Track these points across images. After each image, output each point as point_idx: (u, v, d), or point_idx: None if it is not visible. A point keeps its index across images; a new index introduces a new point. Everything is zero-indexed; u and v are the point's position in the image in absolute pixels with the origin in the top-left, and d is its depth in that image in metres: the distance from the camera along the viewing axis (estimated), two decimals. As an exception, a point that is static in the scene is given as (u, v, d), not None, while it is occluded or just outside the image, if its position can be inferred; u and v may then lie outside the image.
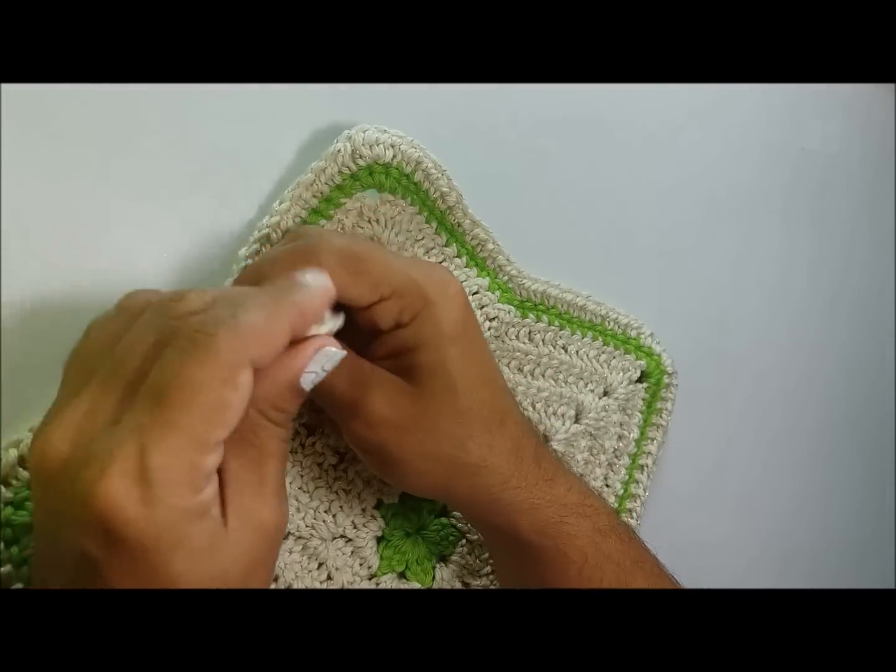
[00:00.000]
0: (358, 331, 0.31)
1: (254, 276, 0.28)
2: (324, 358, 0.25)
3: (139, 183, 0.33)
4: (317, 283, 0.25)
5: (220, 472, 0.24)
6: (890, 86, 0.50)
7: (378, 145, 0.34)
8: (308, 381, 0.25)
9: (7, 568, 0.29)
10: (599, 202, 0.44)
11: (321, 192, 0.34)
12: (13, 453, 0.30)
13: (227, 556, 0.23)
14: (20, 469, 0.30)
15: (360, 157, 0.34)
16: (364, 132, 0.34)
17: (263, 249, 0.33)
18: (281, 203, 0.34)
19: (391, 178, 0.35)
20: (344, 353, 0.26)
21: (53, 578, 0.23)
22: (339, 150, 0.33)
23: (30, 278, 0.31)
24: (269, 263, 0.28)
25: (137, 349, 0.23)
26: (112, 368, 0.23)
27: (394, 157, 0.34)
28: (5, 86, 0.30)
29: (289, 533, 0.35)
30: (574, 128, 0.43)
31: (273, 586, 0.35)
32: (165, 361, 0.22)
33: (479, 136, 0.40)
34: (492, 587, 0.39)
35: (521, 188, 0.42)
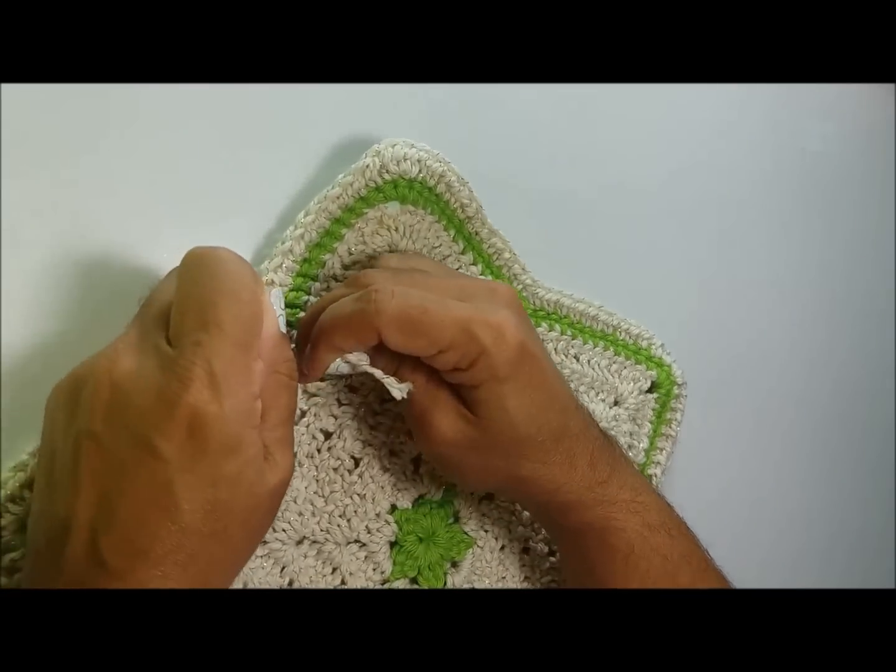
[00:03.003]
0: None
1: (324, 342, 0.32)
2: (278, 301, 0.30)
3: (155, 193, 0.35)
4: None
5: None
6: (890, 86, 0.52)
7: (405, 161, 0.36)
8: (283, 324, 0.30)
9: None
10: (606, 210, 0.46)
11: (346, 205, 0.36)
12: (21, 477, 0.31)
13: (263, 483, 0.28)
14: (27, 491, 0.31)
15: (388, 172, 0.36)
16: (392, 147, 0.36)
17: (285, 262, 0.35)
18: (307, 215, 0.36)
19: (414, 190, 0.37)
20: (282, 288, 0.33)
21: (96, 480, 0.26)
22: (367, 166, 0.36)
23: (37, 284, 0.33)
24: (331, 329, 0.32)
25: (166, 288, 0.30)
26: (147, 308, 0.29)
27: (419, 172, 0.37)
28: (5, 86, 0.32)
29: (303, 537, 0.38)
30: (581, 135, 0.45)
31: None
32: (196, 279, 0.28)
33: (494, 145, 0.43)
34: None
35: (534, 198, 0.44)
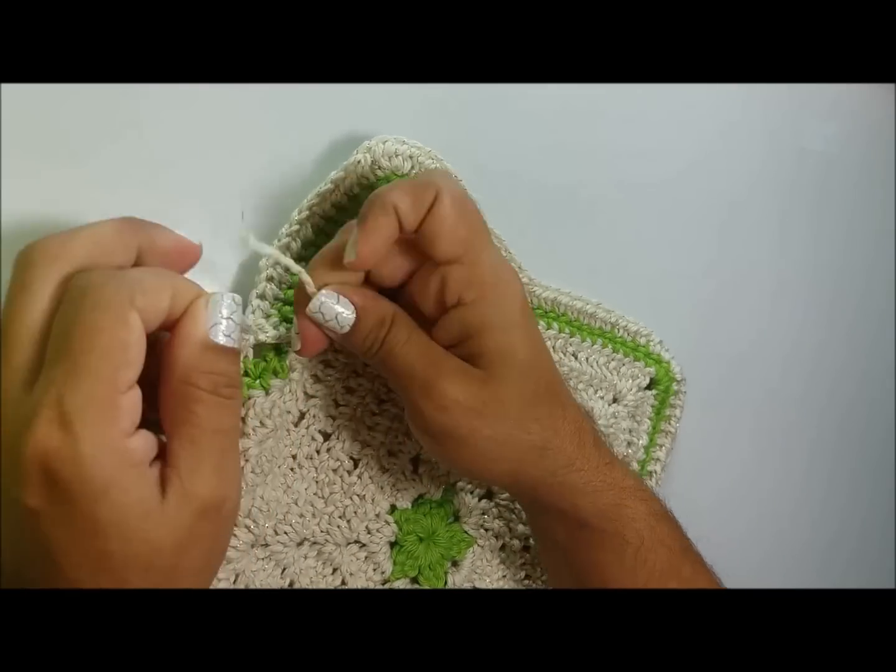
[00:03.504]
0: (421, 321, 0.34)
1: (378, 203, 0.31)
2: (218, 306, 0.27)
3: (151, 192, 0.35)
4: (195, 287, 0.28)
5: (166, 448, 0.27)
6: (890, 86, 0.52)
7: (397, 157, 0.36)
8: (219, 334, 0.27)
9: None
10: (606, 209, 0.46)
11: (339, 202, 0.36)
12: None
13: (160, 527, 0.25)
14: None
15: (380, 168, 0.36)
16: (384, 143, 0.36)
17: (283, 258, 0.35)
18: (300, 212, 0.36)
19: (407, 188, 0.37)
20: (235, 294, 0.28)
21: (7, 550, 0.26)
22: (358, 161, 0.36)
23: None
24: (391, 189, 0.31)
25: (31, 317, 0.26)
26: (11, 338, 0.26)
27: (412, 168, 0.37)
28: (5, 86, 0.32)
29: (304, 539, 0.38)
30: (579, 134, 0.45)
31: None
32: (62, 316, 0.25)
33: (491, 144, 0.43)
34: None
35: (531, 197, 0.44)
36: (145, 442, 0.26)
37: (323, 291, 0.31)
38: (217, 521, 0.28)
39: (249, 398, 0.35)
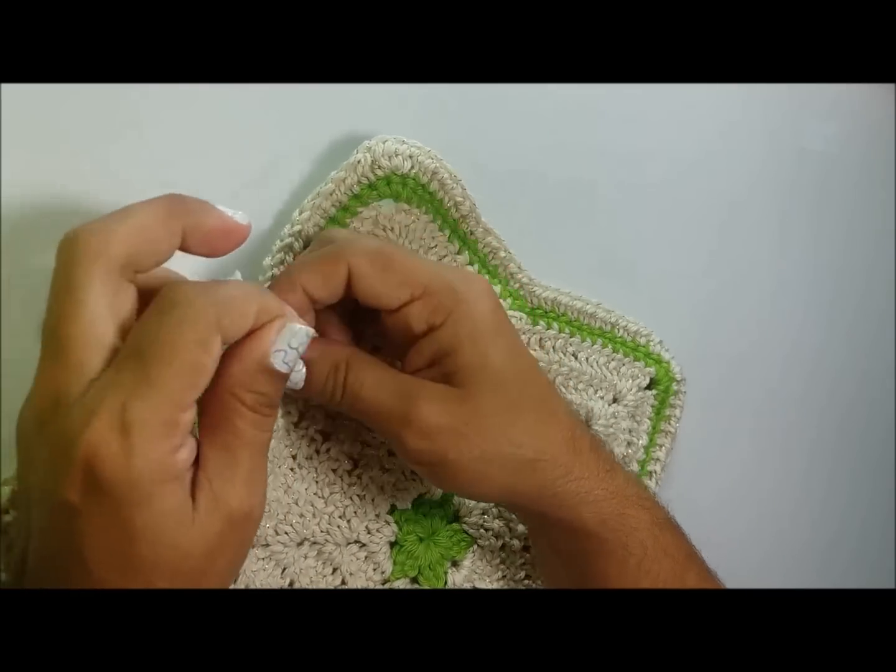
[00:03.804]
0: (392, 347, 0.34)
1: (286, 283, 0.31)
2: (289, 335, 0.28)
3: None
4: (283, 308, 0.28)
5: (196, 457, 0.27)
6: (890, 86, 0.52)
7: (397, 156, 0.36)
8: (279, 361, 0.27)
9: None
10: (606, 209, 0.47)
11: (340, 202, 0.36)
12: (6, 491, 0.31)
13: (191, 533, 0.26)
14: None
15: (380, 167, 0.36)
16: (383, 143, 0.36)
17: (287, 258, 0.36)
18: (301, 212, 0.36)
19: (408, 188, 0.37)
20: (310, 328, 0.28)
21: (30, 536, 0.26)
22: (358, 161, 0.36)
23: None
24: (298, 269, 0.31)
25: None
26: (66, 338, 0.26)
27: (412, 167, 0.37)
28: (5, 86, 0.32)
29: (304, 539, 0.38)
30: (579, 135, 0.45)
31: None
32: (144, 324, 0.26)
33: (491, 144, 0.43)
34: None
35: (531, 197, 0.45)
36: (189, 453, 0.26)
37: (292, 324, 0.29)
38: (244, 530, 0.28)
39: None
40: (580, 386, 0.45)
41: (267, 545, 0.36)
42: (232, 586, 0.35)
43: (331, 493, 0.38)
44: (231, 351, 0.27)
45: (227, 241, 0.29)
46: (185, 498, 0.26)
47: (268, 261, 0.36)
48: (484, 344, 0.32)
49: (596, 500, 0.34)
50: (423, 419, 0.31)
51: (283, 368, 0.28)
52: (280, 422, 0.36)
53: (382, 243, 0.32)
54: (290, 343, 0.28)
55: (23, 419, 0.26)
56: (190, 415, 0.26)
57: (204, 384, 0.26)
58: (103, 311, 0.26)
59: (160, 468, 0.25)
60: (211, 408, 0.27)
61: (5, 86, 0.32)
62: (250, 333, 0.27)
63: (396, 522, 0.40)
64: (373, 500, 0.39)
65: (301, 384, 0.31)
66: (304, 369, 0.31)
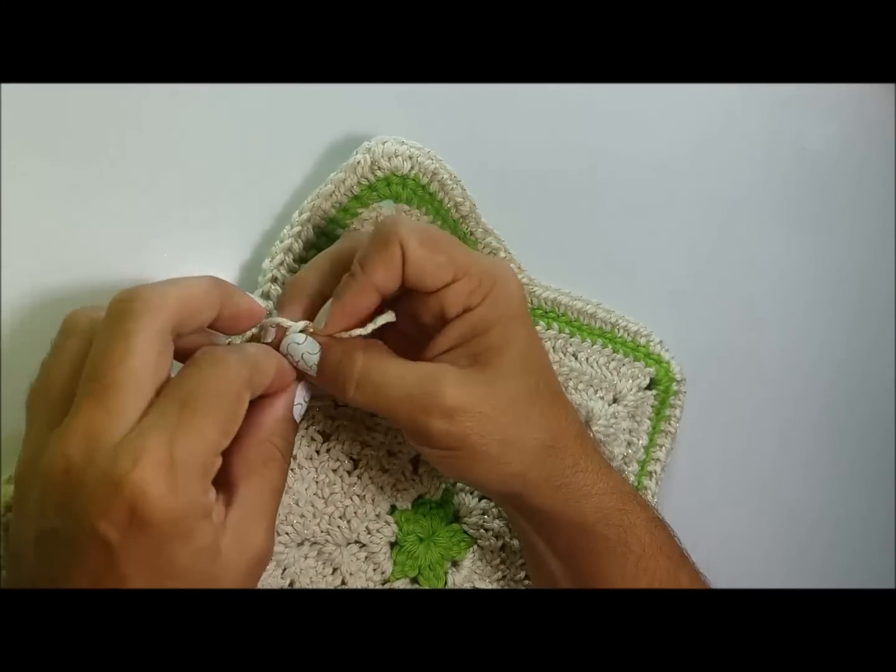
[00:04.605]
0: (419, 330, 0.34)
1: (358, 286, 0.32)
2: (303, 391, 0.33)
3: (153, 190, 0.36)
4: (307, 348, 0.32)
5: (231, 494, 0.29)
6: (890, 86, 0.53)
7: (396, 157, 0.37)
8: (298, 412, 0.32)
9: None
10: (606, 209, 0.47)
11: (340, 203, 0.37)
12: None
13: (221, 565, 0.27)
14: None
15: (379, 168, 0.36)
16: (383, 144, 0.37)
17: (287, 260, 0.36)
18: (301, 214, 0.36)
19: (408, 188, 0.38)
20: (311, 385, 0.33)
21: (52, 580, 0.26)
22: (358, 162, 0.36)
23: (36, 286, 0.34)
24: (364, 266, 0.32)
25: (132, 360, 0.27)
26: (115, 382, 0.27)
27: (411, 168, 0.37)
28: (5, 86, 0.32)
29: (304, 539, 0.38)
30: (579, 135, 0.45)
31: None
32: (186, 377, 0.28)
33: (490, 144, 0.43)
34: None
35: (532, 197, 0.45)
36: (213, 492, 0.28)
37: (293, 332, 0.32)
38: (261, 570, 0.30)
39: None
40: (580, 386, 0.45)
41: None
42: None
43: (331, 494, 0.39)
44: (261, 406, 0.31)
45: (249, 321, 0.32)
46: (216, 535, 0.27)
47: (267, 263, 0.36)
48: (513, 327, 0.33)
49: (598, 493, 0.35)
50: (448, 401, 0.32)
51: (297, 419, 0.32)
52: None
53: (424, 224, 0.33)
54: (304, 397, 0.33)
55: (49, 463, 0.26)
56: (220, 460, 0.28)
57: (233, 433, 0.28)
58: (151, 363, 0.27)
59: (199, 506, 0.27)
60: (250, 455, 0.30)
61: (5, 86, 0.32)
62: (273, 390, 0.31)
63: (396, 523, 0.40)
64: (373, 501, 0.40)
65: (314, 367, 0.33)
66: (318, 354, 0.33)
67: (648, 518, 0.36)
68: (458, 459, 0.33)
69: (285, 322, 0.32)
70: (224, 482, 0.29)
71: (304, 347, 0.32)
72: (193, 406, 0.27)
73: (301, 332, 0.32)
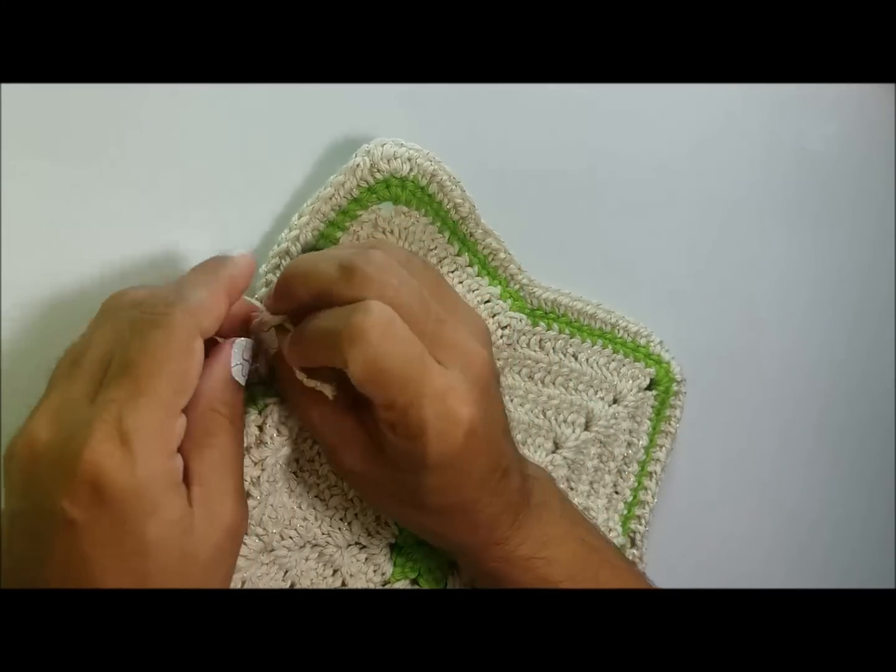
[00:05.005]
0: None
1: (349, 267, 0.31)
2: (239, 350, 0.31)
3: (153, 191, 0.35)
4: (243, 261, 0.31)
5: (186, 470, 0.28)
6: (890, 86, 0.53)
7: (396, 159, 0.37)
8: (238, 374, 0.31)
9: None
10: (606, 210, 0.47)
11: (339, 206, 0.37)
12: None
13: (195, 541, 0.27)
14: None
15: (378, 170, 0.36)
16: (382, 146, 0.37)
17: (283, 264, 0.36)
18: (300, 217, 0.36)
19: (407, 190, 0.38)
20: (251, 341, 0.32)
21: (23, 560, 0.26)
22: (357, 165, 0.36)
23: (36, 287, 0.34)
24: (308, 333, 0.31)
25: (97, 341, 0.28)
26: (75, 360, 0.28)
27: (410, 170, 0.37)
28: (5, 86, 0.32)
29: (306, 542, 0.38)
30: (579, 135, 0.45)
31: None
32: (129, 341, 0.27)
33: (490, 145, 0.43)
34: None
35: (531, 197, 0.45)
36: (180, 462, 0.27)
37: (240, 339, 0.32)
38: (236, 542, 0.30)
39: (266, 406, 0.35)
40: (580, 387, 0.45)
41: (272, 550, 0.36)
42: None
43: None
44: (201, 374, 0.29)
45: (240, 329, 0.33)
46: (188, 508, 0.27)
47: (264, 268, 0.36)
48: (425, 476, 0.32)
49: (478, 560, 0.36)
50: (340, 461, 0.34)
51: (241, 380, 0.31)
52: (293, 426, 0.36)
53: (393, 341, 0.29)
54: (244, 356, 0.31)
55: (19, 443, 0.27)
56: (182, 422, 0.27)
57: (192, 388, 0.27)
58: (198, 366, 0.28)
59: (163, 475, 0.26)
60: (193, 429, 0.28)
61: (5, 86, 0.32)
62: (212, 357, 0.30)
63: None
64: (373, 502, 0.40)
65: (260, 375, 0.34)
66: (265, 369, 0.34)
67: (537, 578, 0.36)
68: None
69: (265, 317, 0.33)
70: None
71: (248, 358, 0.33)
72: (137, 371, 0.26)
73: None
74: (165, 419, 0.26)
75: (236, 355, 0.31)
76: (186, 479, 0.28)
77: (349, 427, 0.34)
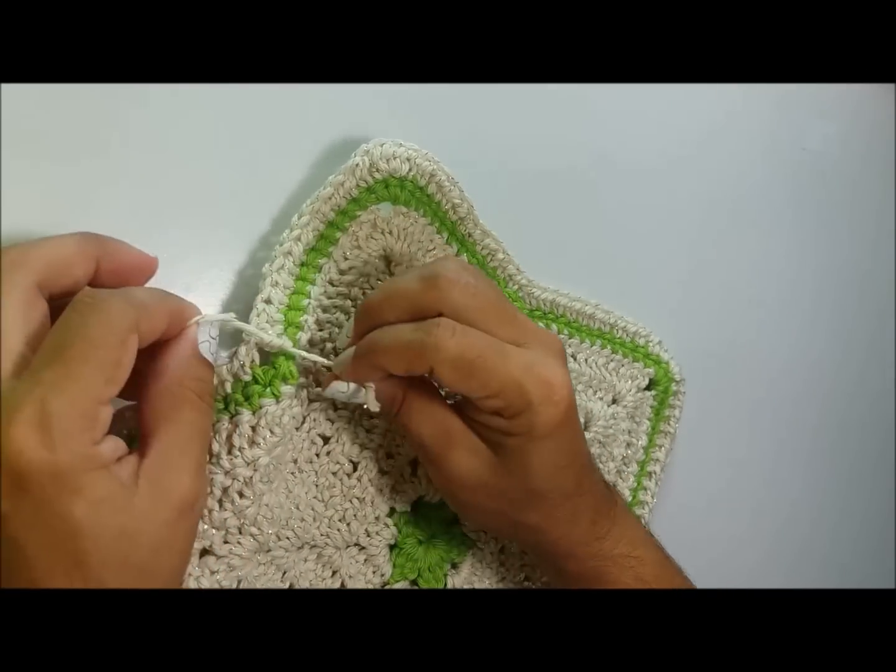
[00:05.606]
0: None
1: (367, 364, 0.34)
2: (206, 327, 0.32)
3: (152, 192, 0.36)
4: (193, 311, 0.31)
5: (145, 446, 0.28)
6: (890, 86, 0.53)
7: (395, 159, 0.37)
8: (206, 350, 0.31)
9: None
10: (606, 210, 0.47)
11: (338, 206, 0.37)
12: None
13: (136, 518, 0.26)
14: None
15: (377, 170, 0.36)
16: (381, 146, 0.37)
17: (287, 263, 0.36)
18: (300, 217, 0.36)
19: (406, 190, 0.38)
20: (226, 315, 0.33)
21: None
22: (356, 165, 0.36)
23: None
24: (384, 352, 0.33)
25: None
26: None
27: (409, 170, 0.37)
28: (5, 86, 0.32)
29: (304, 543, 0.38)
30: (579, 136, 0.46)
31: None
32: (62, 324, 0.27)
33: (490, 146, 0.43)
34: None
35: (531, 197, 0.45)
36: (113, 445, 0.27)
37: (336, 382, 0.35)
38: (192, 518, 0.29)
39: (261, 407, 0.34)
40: (579, 387, 0.45)
41: (269, 550, 0.36)
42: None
43: (331, 497, 0.39)
44: (165, 352, 0.30)
45: (139, 276, 0.31)
46: (119, 486, 0.26)
47: (267, 266, 0.36)
48: (533, 444, 0.34)
49: (577, 558, 0.37)
50: (450, 467, 0.35)
51: (209, 357, 0.31)
52: (288, 428, 0.36)
53: (468, 338, 0.32)
54: (210, 334, 0.32)
55: None
56: (108, 411, 0.27)
57: (121, 381, 0.27)
58: (16, 320, 0.27)
59: (83, 458, 0.25)
60: (158, 404, 0.29)
61: (5, 86, 0.32)
62: (171, 334, 0.30)
63: (396, 525, 0.40)
64: (372, 503, 0.40)
65: (371, 405, 0.35)
66: (367, 393, 0.35)
67: (634, 577, 0.38)
68: (449, 499, 0.38)
69: (212, 316, 0.32)
70: (142, 435, 0.29)
71: (350, 391, 0.35)
72: (69, 355, 0.26)
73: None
74: (90, 407, 0.26)
75: (203, 332, 0.31)
76: (142, 452, 0.28)
77: (458, 429, 0.35)
